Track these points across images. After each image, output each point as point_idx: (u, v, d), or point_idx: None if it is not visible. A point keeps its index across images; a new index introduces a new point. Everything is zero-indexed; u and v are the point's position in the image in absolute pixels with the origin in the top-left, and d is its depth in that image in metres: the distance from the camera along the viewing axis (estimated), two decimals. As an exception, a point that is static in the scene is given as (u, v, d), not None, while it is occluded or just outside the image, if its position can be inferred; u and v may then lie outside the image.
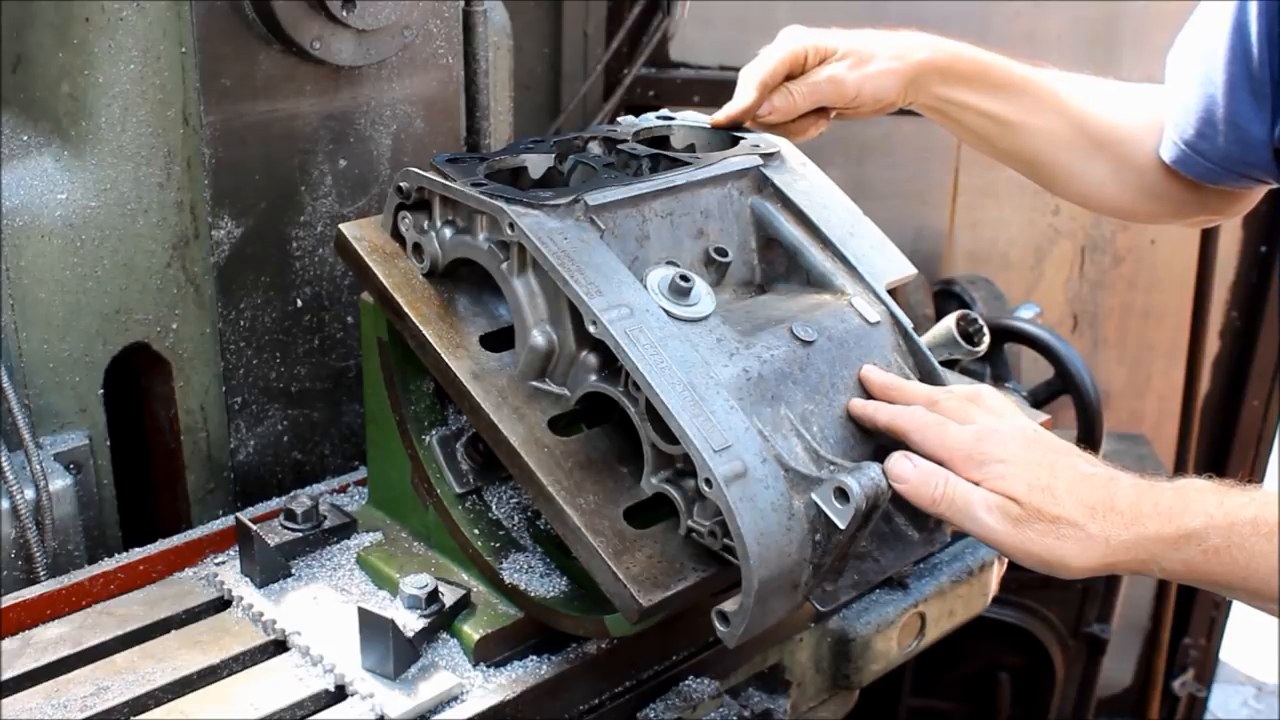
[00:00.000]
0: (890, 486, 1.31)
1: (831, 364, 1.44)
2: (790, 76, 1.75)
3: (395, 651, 1.40)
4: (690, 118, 1.78)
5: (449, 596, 1.48)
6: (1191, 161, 1.75)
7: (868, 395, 1.45)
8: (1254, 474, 3.88)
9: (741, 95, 1.73)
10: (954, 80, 1.80)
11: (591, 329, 1.34)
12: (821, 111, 1.79)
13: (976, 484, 1.31)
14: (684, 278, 1.42)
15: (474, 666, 1.47)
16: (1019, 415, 1.40)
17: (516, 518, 1.57)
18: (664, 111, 1.80)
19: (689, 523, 1.35)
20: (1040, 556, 1.28)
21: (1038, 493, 1.29)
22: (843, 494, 1.27)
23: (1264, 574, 1.22)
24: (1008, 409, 1.41)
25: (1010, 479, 1.30)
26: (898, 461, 1.33)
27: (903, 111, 1.87)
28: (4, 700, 1.38)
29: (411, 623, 1.43)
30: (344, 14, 1.71)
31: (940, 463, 1.33)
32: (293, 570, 1.59)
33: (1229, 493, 1.27)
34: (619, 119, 1.78)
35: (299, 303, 1.88)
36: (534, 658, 1.50)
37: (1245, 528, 1.23)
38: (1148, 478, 1.31)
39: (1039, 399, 2.70)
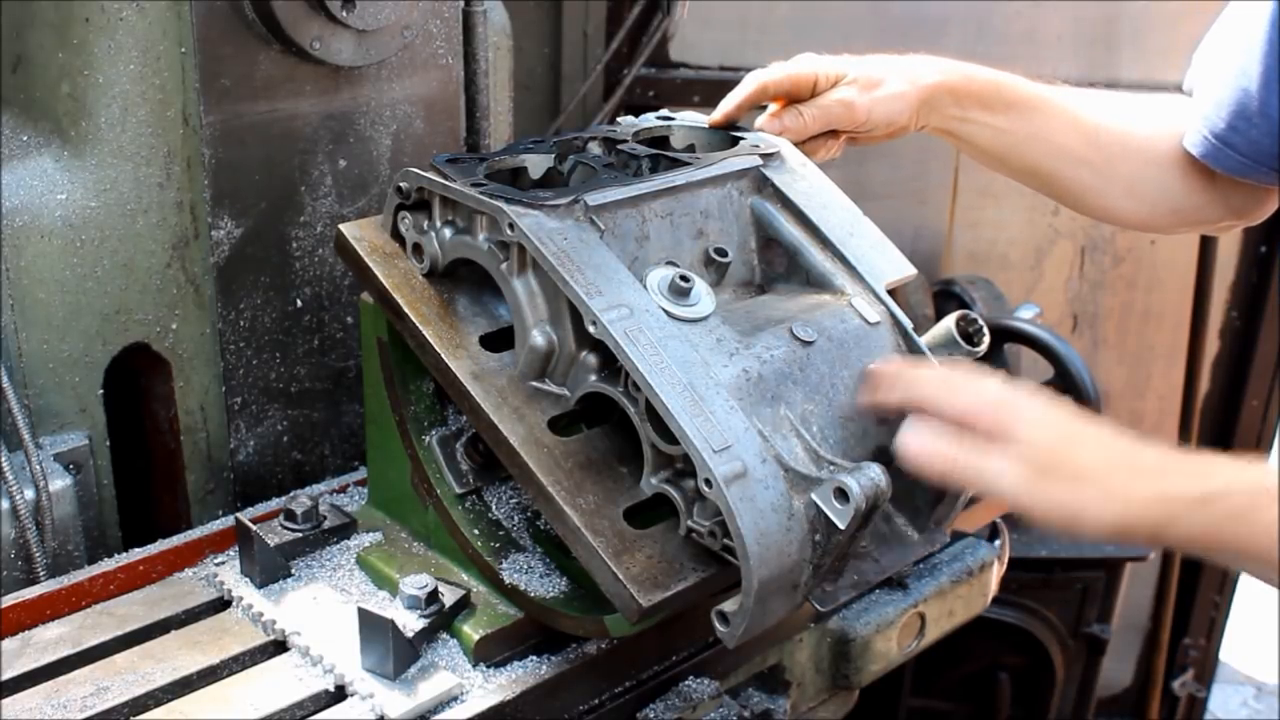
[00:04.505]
0: (889, 487, 1.31)
1: (831, 364, 1.44)
2: (800, 99, 1.75)
3: (395, 651, 1.40)
4: (690, 118, 1.78)
5: (449, 596, 1.48)
6: (1221, 154, 1.75)
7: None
8: (1254, 474, 3.88)
9: (737, 91, 1.73)
10: (967, 101, 1.80)
11: (591, 329, 1.34)
12: (833, 134, 1.79)
13: (995, 442, 1.29)
14: (684, 278, 1.42)
15: (474, 667, 1.47)
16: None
17: (516, 518, 1.57)
18: (664, 111, 1.80)
19: (689, 523, 1.35)
20: (1057, 513, 1.26)
21: (1061, 445, 1.27)
22: (842, 494, 1.27)
23: None
24: (1023, 383, 1.40)
25: (1033, 432, 1.28)
26: (905, 438, 1.31)
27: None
28: (4, 700, 1.38)
29: (411, 623, 1.43)
30: (344, 14, 1.71)
31: (959, 424, 1.30)
32: (293, 570, 1.59)
33: (1253, 464, 1.26)
34: (619, 119, 1.78)
35: (299, 303, 1.88)
36: (534, 658, 1.50)
37: (1268, 495, 1.22)
38: (1172, 448, 1.29)
39: (1039, 399, 2.70)
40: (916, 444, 1.31)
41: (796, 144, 1.73)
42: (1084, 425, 1.30)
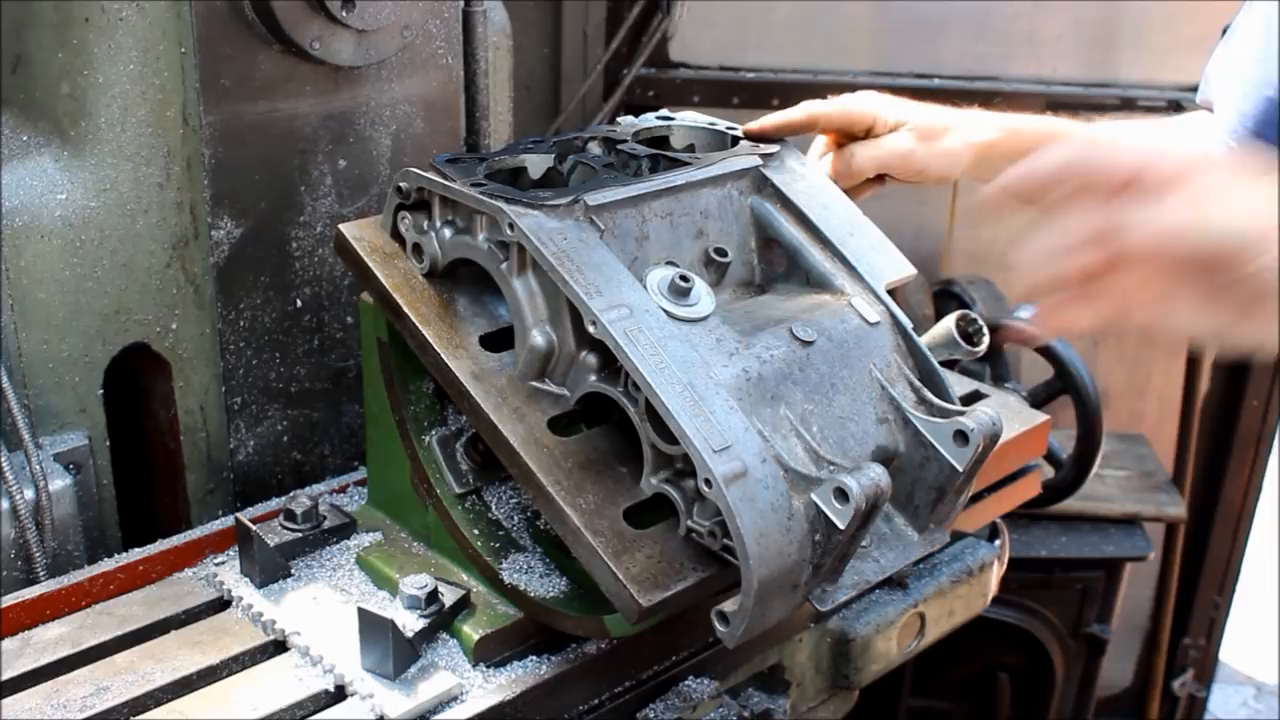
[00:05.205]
0: (889, 487, 1.31)
1: (831, 364, 1.44)
2: (854, 137, 1.74)
3: (395, 651, 1.40)
4: (690, 118, 1.78)
5: (449, 596, 1.48)
6: None
7: (865, 396, 1.44)
8: (1254, 474, 3.88)
9: (787, 113, 1.71)
10: (1017, 156, 1.78)
11: (591, 329, 1.34)
12: (880, 178, 1.78)
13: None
14: (684, 278, 1.42)
15: (474, 667, 1.47)
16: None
17: (516, 518, 1.57)
18: (664, 111, 1.80)
19: (689, 523, 1.35)
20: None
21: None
22: (842, 494, 1.27)
23: None
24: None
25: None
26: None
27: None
28: (4, 700, 1.38)
29: (411, 623, 1.43)
30: (344, 14, 1.71)
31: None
32: (292, 570, 1.59)
33: None
34: (619, 119, 1.78)
35: (299, 303, 1.88)
36: (534, 658, 1.50)
37: None
38: None
39: (1039, 399, 2.70)
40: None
41: (845, 188, 1.71)
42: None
